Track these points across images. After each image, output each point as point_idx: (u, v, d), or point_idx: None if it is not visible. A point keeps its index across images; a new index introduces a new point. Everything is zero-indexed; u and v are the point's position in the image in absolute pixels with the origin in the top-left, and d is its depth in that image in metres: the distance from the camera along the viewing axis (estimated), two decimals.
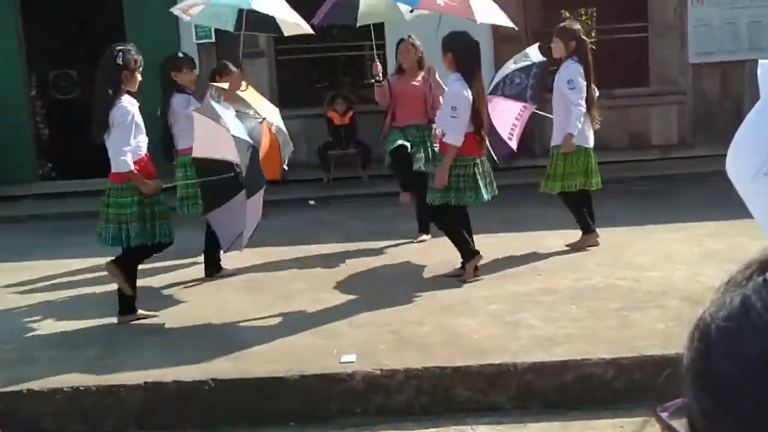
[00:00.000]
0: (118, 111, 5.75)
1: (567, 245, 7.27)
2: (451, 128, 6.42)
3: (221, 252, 6.83)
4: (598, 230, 7.34)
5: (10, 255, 8.33)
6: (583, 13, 16.47)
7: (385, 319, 5.71)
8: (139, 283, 6.97)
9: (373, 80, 7.89)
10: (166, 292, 6.78)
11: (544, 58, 7.66)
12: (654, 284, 6.11)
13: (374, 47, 8.07)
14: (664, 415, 0.77)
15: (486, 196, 6.59)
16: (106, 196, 5.94)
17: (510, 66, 7.42)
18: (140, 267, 6.43)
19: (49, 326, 6.02)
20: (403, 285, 6.54)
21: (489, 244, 7.50)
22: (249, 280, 6.93)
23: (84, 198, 11.12)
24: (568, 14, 12.82)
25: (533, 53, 7.50)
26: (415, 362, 4.86)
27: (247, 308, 6.18)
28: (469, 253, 6.59)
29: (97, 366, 5.14)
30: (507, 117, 7.35)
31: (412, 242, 7.90)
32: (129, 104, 5.82)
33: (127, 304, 6.02)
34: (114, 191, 5.88)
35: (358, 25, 7.84)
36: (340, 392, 4.78)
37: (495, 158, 7.23)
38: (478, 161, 6.57)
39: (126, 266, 6.01)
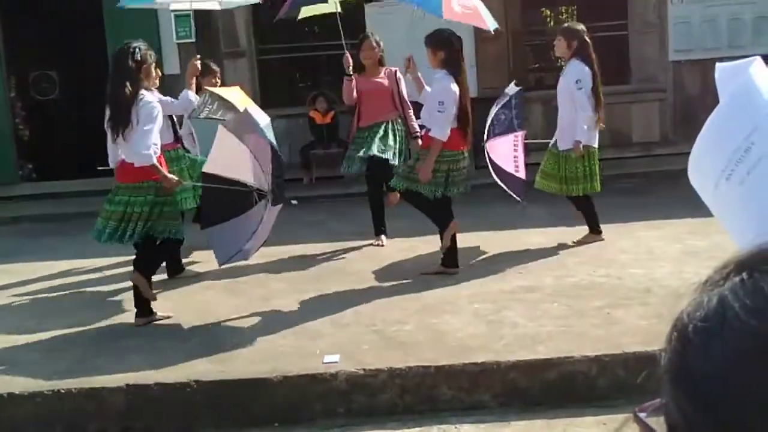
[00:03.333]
0: (145, 106, 5.70)
1: (574, 242, 7.36)
2: (437, 123, 6.49)
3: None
4: (580, 228, 7.38)
5: None
6: (563, 11, 16.48)
7: (368, 318, 5.70)
8: (121, 286, 6.94)
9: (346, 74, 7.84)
10: None
11: (519, 88, 7.80)
12: (636, 281, 6.13)
13: (344, 45, 8.02)
14: (642, 415, 0.77)
15: (463, 190, 6.80)
16: (113, 194, 5.87)
17: (494, 110, 7.55)
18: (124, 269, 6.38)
19: (30, 329, 5.96)
20: (386, 284, 6.53)
21: (471, 242, 7.50)
22: (231, 282, 6.90)
23: (65, 199, 11.06)
24: (549, 13, 12.84)
25: (510, 89, 7.66)
26: (399, 362, 4.85)
27: (229, 309, 6.15)
28: (452, 260, 6.71)
29: (79, 369, 5.10)
30: (507, 153, 7.49)
31: (395, 241, 7.89)
32: (152, 99, 5.82)
33: (144, 306, 5.98)
34: (126, 190, 5.81)
35: (299, 17, 8.45)
36: (323, 392, 4.77)
37: (515, 196, 7.30)
38: (462, 156, 6.70)
39: (147, 266, 6.01)
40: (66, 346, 5.53)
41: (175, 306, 6.31)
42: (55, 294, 6.93)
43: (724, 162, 1.37)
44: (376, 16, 11.67)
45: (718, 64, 1.52)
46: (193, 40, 11.50)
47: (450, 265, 6.69)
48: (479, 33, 10.90)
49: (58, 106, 14.49)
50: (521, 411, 4.63)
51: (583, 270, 6.52)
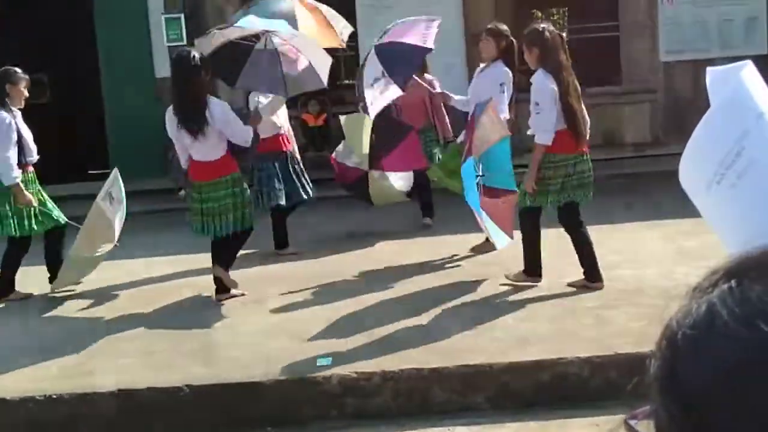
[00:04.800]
0: (219, 107, 6.00)
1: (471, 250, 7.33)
2: (535, 126, 6.01)
3: None
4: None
5: None
6: (554, 12, 16.51)
7: (360, 321, 5.69)
8: (112, 288, 6.93)
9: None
10: (141, 296, 6.72)
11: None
12: (628, 282, 6.14)
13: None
14: (632, 422, 0.77)
15: (583, 199, 6.24)
16: (196, 192, 6.22)
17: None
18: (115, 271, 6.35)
19: (21, 333, 5.95)
20: (378, 287, 6.52)
21: (462, 245, 7.50)
22: None
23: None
24: (540, 14, 12.85)
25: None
26: (392, 364, 4.85)
27: (221, 312, 6.14)
28: (532, 268, 6.30)
29: (70, 373, 5.09)
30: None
31: (389, 243, 7.89)
32: (219, 100, 6.15)
33: (223, 286, 6.39)
34: (208, 187, 6.17)
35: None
36: (316, 395, 4.76)
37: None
38: (580, 159, 6.11)
39: (229, 258, 6.43)
40: (57, 350, 5.50)
41: (166, 310, 6.30)
42: (45, 297, 6.90)
43: (715, 166, 1.36)
44: (367, 9, 11.63)
45: (708, 69, 1.51)
46: (185, 42, 11.48)
47: (595, 279, 6.15)
48: (469, 33, 10.92)
49: (49, 110, 14.43)
50: (514, 412, 4.64)
51: (575, 271, 6.52)
